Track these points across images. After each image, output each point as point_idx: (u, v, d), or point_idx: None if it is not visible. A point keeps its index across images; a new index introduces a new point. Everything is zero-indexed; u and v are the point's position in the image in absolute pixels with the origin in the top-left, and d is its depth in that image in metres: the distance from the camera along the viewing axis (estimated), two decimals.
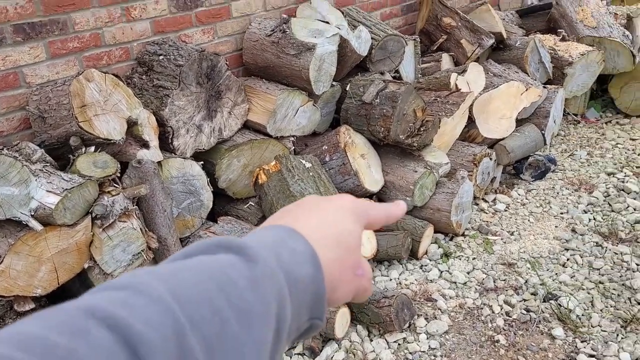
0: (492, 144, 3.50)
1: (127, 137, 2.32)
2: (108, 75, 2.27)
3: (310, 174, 2.68)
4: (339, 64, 3.06)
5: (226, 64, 2.66)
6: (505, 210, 3.29)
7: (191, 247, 0.40)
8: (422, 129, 2.96)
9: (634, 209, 3.18)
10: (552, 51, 4.13)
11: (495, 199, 3.38)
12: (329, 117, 3.25)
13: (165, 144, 2.52)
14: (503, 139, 3.52)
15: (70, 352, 0.29)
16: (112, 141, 2.23)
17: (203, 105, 2.61)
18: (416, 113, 2.95)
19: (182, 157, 2.52)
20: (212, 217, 2.71)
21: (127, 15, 2.55)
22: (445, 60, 3.88)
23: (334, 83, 3.10)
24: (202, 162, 2.58)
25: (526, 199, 3.40)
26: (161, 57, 2.51)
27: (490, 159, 3.29)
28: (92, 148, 2.22)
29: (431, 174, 2.94)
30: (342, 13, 3.35)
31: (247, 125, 2.90)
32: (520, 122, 3.72)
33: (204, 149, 2.66)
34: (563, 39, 4.27)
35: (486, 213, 3.27)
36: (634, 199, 3.28)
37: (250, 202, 2.85)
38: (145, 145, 2.38)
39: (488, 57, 4.13)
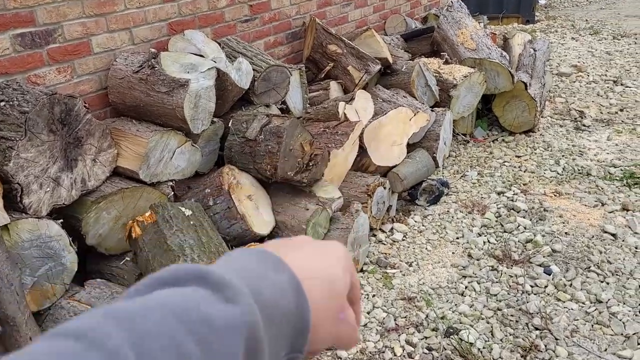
0: (385, 172, 3.43)
1: None
2: None
3: (191, 222, 2.42)
4: (220, 99, 2.85)
5: (85, 106, 2.36)
6: (403, 240, 3.21)
7: (161, 274, 0.38)
8: (311, 164, 2.81)
9: (525, 228, 3.22)
10: (437, 74, 4.19)
11: (392, 229, 3.30)
12: (213, 156, 3.02)
13: (14, 203, 2.16)
14: (396, 166, 3.46)
15: None
16: None
17: (59, 155, 2.29)
18: (304, 147, 2.80)
19: (35, 216, 2.18)
20: (84, 277, 2.38)
21: None
22: (334, 88, 3.79)
23: (214, 119, 2.88)
24: (62, 220, 2.25)
25: (423, 225, 3.36)
26: (2, 104, 2.16)
27: (384, 187, 3.21)
28: None
29: (324, 211, 2.80)
30: (220, 44, 3.16)
31: (118, 173, 2.60)
32: (412, 146, 3.70)
33: (64, 203, 2.33)
34: (446, 62, 4.35)
35: (384, 244, 3.18)
36: (524, 217, 3.33)
37: (126, 258, 2.54)
38: None
39: (377, 83, 4.11)
